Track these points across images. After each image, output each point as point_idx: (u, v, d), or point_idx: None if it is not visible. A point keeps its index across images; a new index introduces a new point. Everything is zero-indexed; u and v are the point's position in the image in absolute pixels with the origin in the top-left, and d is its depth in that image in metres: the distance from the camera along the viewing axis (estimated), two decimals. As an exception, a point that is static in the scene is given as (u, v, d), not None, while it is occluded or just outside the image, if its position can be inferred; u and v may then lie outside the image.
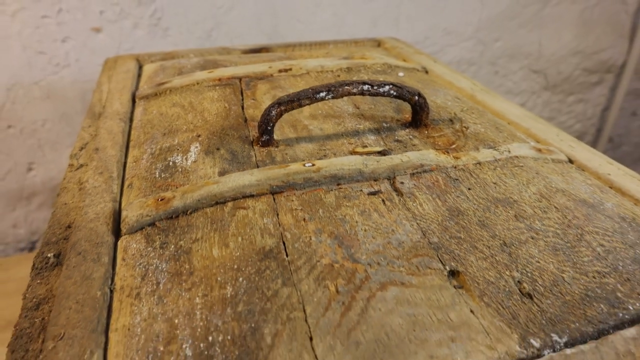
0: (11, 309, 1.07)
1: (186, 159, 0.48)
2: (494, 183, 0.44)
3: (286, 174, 0.43)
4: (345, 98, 0.61)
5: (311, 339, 0.29)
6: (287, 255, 0.35)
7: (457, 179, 0.45)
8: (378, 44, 0.92)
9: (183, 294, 0.32)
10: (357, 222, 0.39)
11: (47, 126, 1.15)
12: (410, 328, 0.30)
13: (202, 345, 0.29)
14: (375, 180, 0.44)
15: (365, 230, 0.38)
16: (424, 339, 0.30)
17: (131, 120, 0.60)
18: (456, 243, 0.37)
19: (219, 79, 0.66)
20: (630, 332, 0.31)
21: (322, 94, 0.48)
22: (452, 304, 0.32)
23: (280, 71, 0.69)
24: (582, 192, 0.44)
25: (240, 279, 0.33)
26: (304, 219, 0.39)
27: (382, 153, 0.48)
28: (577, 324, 0.31)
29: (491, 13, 1.42)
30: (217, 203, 0.40)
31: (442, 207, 0.41)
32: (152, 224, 0.39)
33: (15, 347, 0.30)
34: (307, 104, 0.48)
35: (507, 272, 0.35)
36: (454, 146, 0.51)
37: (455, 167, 0.46)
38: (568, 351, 0.30)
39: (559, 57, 1.58)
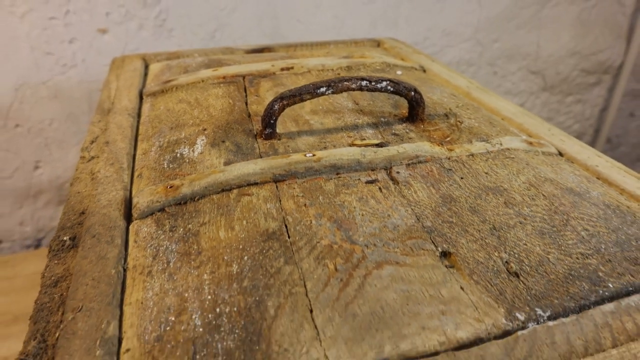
0: (18, 304, 1.09)
1: (193, 150, 0.50)
2: (486, 173, 0.47)
3: (288, 163, 0.45)
4: (345, 95, 0.64)
5: (311, 311, 0.31)
6: (289, 237, 0.37)
7: (450, 169, 0.47)
8: (377, 44, 0.94)
9: (192, 271, 0.34)
10: (355, 207, 0.41)
11: (54, 125, 1.17)
12: (403, 302, 0.32)
13: (210, 315, 0.31)
14: (372, 170, 0.46)
15: (362, 215, 0.40)
16: (417, 312, 0.32)
17: (139, 115, 0.62)
18: (448, 227, 0.39)
19: (224, 77, 0.69)
20: (609, 306, 0.33)
21: (323, 89, 0.51)
22: (443, 282, 0.34)
23: (282, 69, 0.72)
24: (569, 181, 0.47)
25: (245, 257, 0.35)
26: (305, 205, 0.41)
27: (379, 145, 0.50)
28: (559, 300, 0.33)
29: (490, 14, 1.44)
30: (223, 190, 0.43)
31: (436, 195, 0.43)
32: (161, 210, 0.41)
33: (37, 319, 0.32)
34: (309, 99, 0.51)
35: (496, 253, 0.37)
36: (448, 139, 0.53)
37: (449, 158, 0.49)
38: (550, 323, 0.32)
39: (557, 58, 1.60)
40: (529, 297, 0.33)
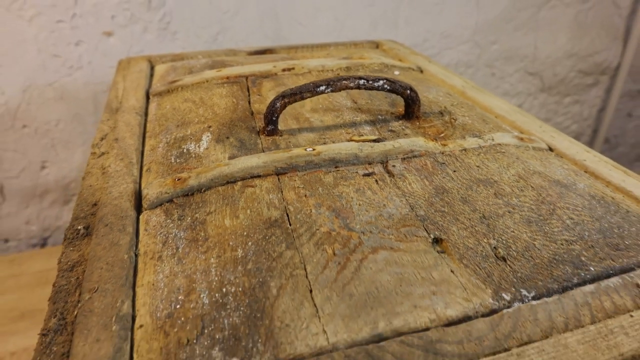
0: (24, 301, 1.11)
1: (199, 146, 0.53)
2: (477, 166, 0.49)
3: (289, 157, 0.47)
4: (344, 94, 0.66)
5: (311, 291, 0.34)
6: (290, 224, 0.40)
7: (443, 163, 0.49)
8: (376, 45, 0.97)
9: (200, 255, 0.37)
10: (352, 198, 0.43)
11: (60, 126, 1.20)
12: (397, 284, 0.35)
13: (217, 295, 0.33)
14: (369, 163, 0.49)
15: (359, 205, 0.43)
16: (409, 293, 0.34)
17: (146, 114, 0.65)
18: (440, 216, 0.42)
19: (227, 77, 0.71)
20: (589, 287, 0.35)
21: (322, 88, 0.53)
22: (434, 265, 0.37)
23: (284, 70, 0.74)
24: (557, 174, 0.49)
25: (250, 243, 0.38)
26: (305, 195, 0.43)
27: (376, 141, 0.53)
28: (543, 282, 0.36)
29: (487, 17, 1.47)
30: (227, 182, 0.45)
31: (429, 186, 0.46)
32: (170, 201, 0.44)
33: (56, 300, 0.34)
34: (309, 97, 0.53)
35: (485, 240, 0.39)
36: (442, 135, 0.55)
37: (442, 153, 0.51)
38: (534, 302, 0.34)
39: (554, 59, 1.63)
40: (514, 280, 0.36)
